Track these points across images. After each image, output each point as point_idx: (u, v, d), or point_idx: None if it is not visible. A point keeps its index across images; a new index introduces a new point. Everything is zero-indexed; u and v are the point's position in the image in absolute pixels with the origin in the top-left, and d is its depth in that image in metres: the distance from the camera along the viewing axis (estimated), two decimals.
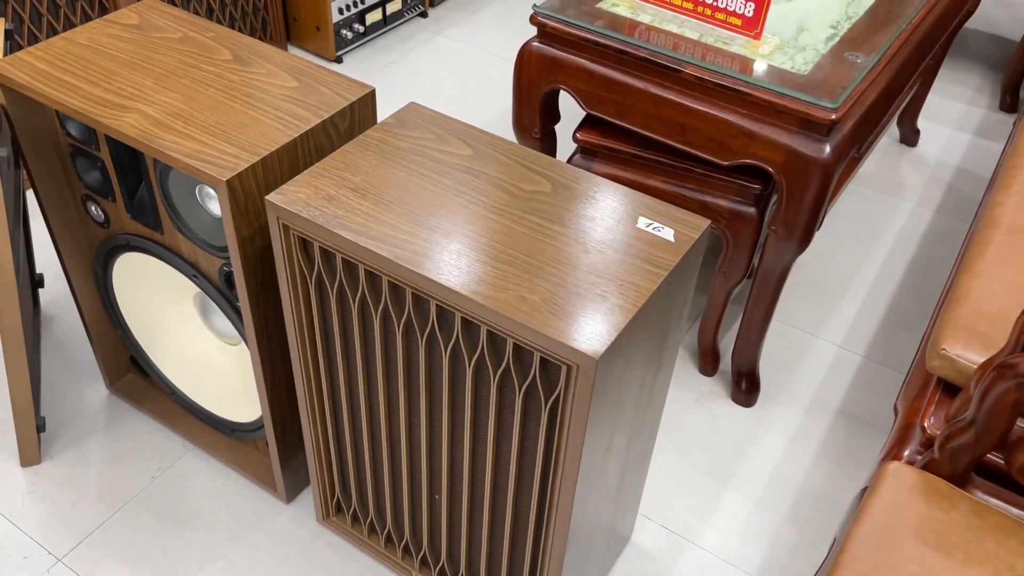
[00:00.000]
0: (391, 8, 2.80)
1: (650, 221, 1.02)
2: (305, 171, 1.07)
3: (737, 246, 1.55)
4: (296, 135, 1.13)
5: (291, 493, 1.50)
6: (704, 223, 1.03)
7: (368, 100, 1.22)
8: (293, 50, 2.74)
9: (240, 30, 2.53)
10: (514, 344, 0.94)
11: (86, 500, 1.49)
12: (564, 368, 0.90)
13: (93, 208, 1.36)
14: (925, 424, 1.08)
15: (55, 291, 1.85)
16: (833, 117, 1.31)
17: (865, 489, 1.11)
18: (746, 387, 1.72)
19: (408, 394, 1.11)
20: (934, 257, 2.12)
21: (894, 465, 0.97)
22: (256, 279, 1.17)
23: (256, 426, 1.46)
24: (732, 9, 1.44)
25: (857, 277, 2.05)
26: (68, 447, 1.57)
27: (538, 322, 0.89)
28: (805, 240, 1.45)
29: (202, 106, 1.16)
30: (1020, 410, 0.86)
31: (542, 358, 0.92)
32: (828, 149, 1.34)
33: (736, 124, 1.39)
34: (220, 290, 1.28)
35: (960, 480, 0.96)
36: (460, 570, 1.29)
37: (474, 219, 1.01)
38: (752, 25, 1.44)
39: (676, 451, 1.64)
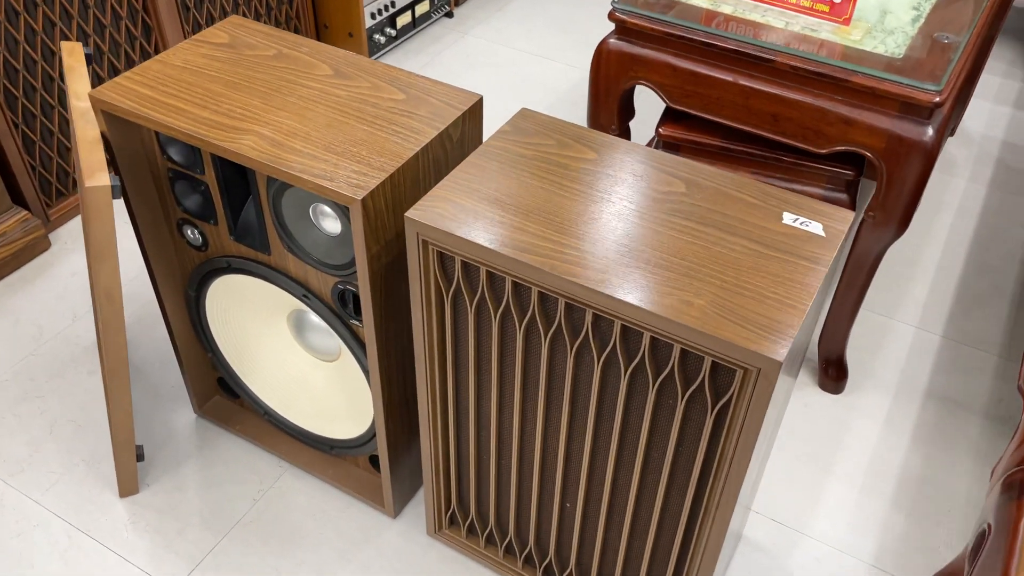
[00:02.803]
0: (419, 10, 2.78)
1: (796, 216, 1.01)
2: (437, 185, 1.05)
3: None
4: (418, 148, 1.11)
5: (397, 508, 1.48)
6: (849, 215, 1.02)
7: (476, 109, 1.20)
8: None
9: None
10: (681, 350, 0.92)
11: (191, 527, 1.47)
12: (740, 372, 0.89)
13: (190, 232, 1.34)
14: None
15: (128, 316, 1.83)
16: (937, 100, 1.30)
17: (1010, 475, 1.11)
18: (834, 374, 1.72)
19: (547, 404, 1.10)
20: (996, 232, 2.12)
21: None
22: (381, 296, 1.15)
23: (358, 443, 1.45)
24: None
25: (923, 257, 2.05)
26: (163, 474, 1.54)
27: (713, 326, 0.88)
28: (904, 225, 1.44)
29: (317, 124, 1.14)
30: None
31: (713, 362, 0.91)
32: (931, 132, 1.34)
33: (833, 111, 1.38)
34: (332, 308, 1.26)
35: None
36: None
37: (618, 225, 1.00)
38: (841, 11, 1.42)
39: (766, 435, 1.63)
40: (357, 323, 1.25)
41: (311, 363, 1.48)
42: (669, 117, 1.58)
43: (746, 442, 0.93)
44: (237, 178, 1.23)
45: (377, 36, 2.64)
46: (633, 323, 0.92)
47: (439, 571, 1.42)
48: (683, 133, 1.55)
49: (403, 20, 2.72)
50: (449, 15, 2.94)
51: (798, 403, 1.71)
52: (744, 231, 0.99)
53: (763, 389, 0.87)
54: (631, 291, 0.92)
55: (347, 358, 1.36)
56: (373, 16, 2.60)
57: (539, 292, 0.98)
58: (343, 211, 1.12)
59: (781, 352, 0.85)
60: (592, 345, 0.99)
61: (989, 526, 1.08)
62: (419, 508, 1.50)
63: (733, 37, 1.42)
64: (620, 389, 1.00)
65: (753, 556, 1.46)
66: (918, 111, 1.33)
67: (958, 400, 1.72)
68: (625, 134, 1.66)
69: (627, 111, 1.63)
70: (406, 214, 1.01)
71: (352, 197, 1.03)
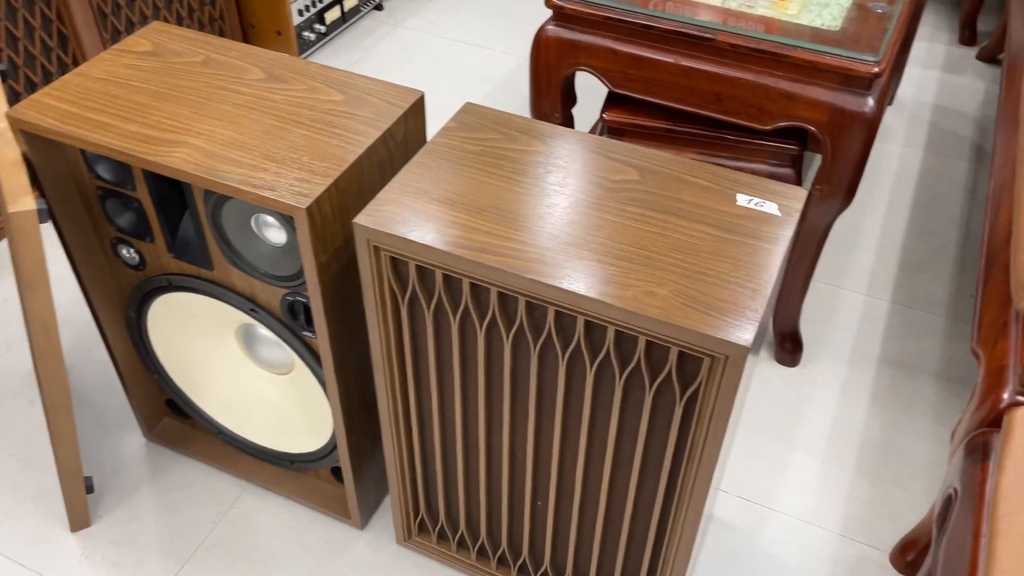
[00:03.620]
0: (348, 4, 2.71)
1: (750, 197, 1.01)
2: (384, 188, 1.02)
3: None
4: (361, 151, 1.07)
5: (364, 518, 1.45)
6: (803, 193, 1.02)
7: (418, 106, 1.17)
8: None
9: None
10: (646, 341, 0.91)
11: (150, 557, 1.41)
12: (707, 360, 0.88)
13: (125, 251, 1.28)
14: None
15: (65, 341, 1.75)
16: (875, 70, 1.31)
17: (972, 439, 1.12)
18: (790, 347, 1.73)
19: (512, 404, 1.08)
20: (934, 195, 2.16)
21: (1021, 412, 0.98)
22: (332, 305, 1.12)
23: (318, 456, 1.41)
24: None
25: (865, 224, 2.08)
26: (116, 504, 1.48)
27: (677, 316, 0.86)
28: (850, 196, 1.45)
29: (253, 131, 1.09)
30: None
31: (680, 352, 0.90)
32: (871, 102, 1.34)
33: (775, 87, 1.38)
34: (283, 321, 1.22)
35: None
36: (567, 572, 1.27)
37: (574, 217, 0.98)
38: None
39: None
40: (310, 335, 1.21)
41: (264, 377, 1.43)
42: (612, 102, 1.57)
43: (716, 429, 0.92)
44: (172, 193, 1.17)
45: (306, 33, 2.57)
46: (597, 318, 0.90)
47: None
48: (628, 117, 1.54)
49: (332, 15, 2.66)
50: (379, 7, 2.88)
51: (756, 378, 1.72)
52: (701, 216, 0.98)
53: (732, 375, 0.86)
54: (593, 285, 0.90)
55: (301, 370, 1.32)
56: (301, 13, 2.53)
57: (499, 292, 0.96)
58: (288, 221, 1.08)
59: (747, 338, 0.84)
60: (556, 342, 0.97)
61: (955, 490, 1.09)
62: (387, 517, 1.47)
63: (672, 18, 1.41)
64: (586, 384, 0.98)
65: (724, 536, 1.46)
66: (858, 82, 1.33)
67: (911, 364, 1.75)
68: (568, 121, 1.64)
69: (569, 98, 1.61)
70: (355, 220, 0.97)
71: (296, 206, 0.99)
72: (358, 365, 1.23)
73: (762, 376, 1.73)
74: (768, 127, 1.42)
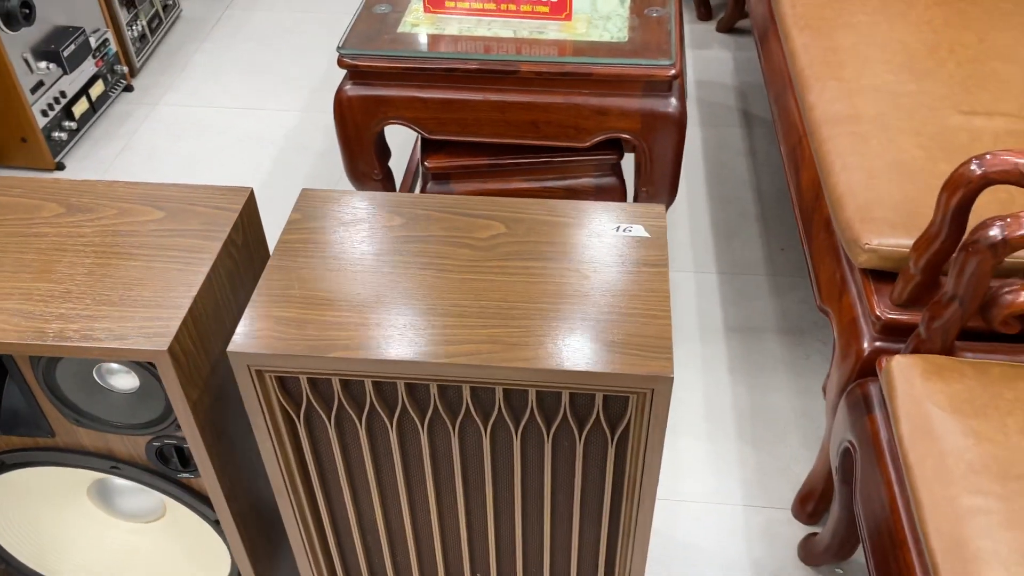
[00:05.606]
0: (95, 92, 2.48)
1: (617, 224, 1.02)
2: (249, 304, 0.93)
3: None
4: (207, 269, 0.97)
5: None
6: (661, 208, 1.05)
7: (251, 204, 1.08)
8: (0, 172, 2.35)
9: None
10: (570, 395, 0.89)
11: None
12: (633, 398, 0.88)
13: None
14: (878, 312, 1.20)
15: None
16: (673, 72, 1.38)
17: (852, 387, 1.21)
18: None
19: (437, 491, 1.03)
20: (722, 166, 2.33)
21: (897, 360, 1.07)
22: (213, 441, 1.01)
23: None
24: None
25: (674, 205, 2.20)
26: None
27: (597, 362, 0.86)
28: (673, 193, 1.53)
29: (74, 277, 0.96)
30: (993, 273, 0.98)
31: (605, 396, 0.89)
32: (675, 102, 1.42)
33: (586, 105, 1.42)
34: (151, 469, 1.09)
35: (951, 351, 1.08)
36: None
37: (458, 287, 0.95)
38: (560, 9, 1.46)
39: None
40: (188, 475, 1.09)
41: (133, 530, 1.28)
42: (430, 148, 1.54)
43: (652, 460, 0.93)
44: None
45: (56, 134, 2.33)
46: (516, 384, 0.88)
47: None
48: (449, 161, 1.52)
49: (80, 108, 2.42)
50: (129, 89, 2.67)
51: None
52: (577, 255, 0.98)
53: (660, 407, 0.87)
54: (504, 353, 0.87)
55: (177, 513, 1.19)
56: (45, 112, 2.28)
57: (406, 383, 0.91)
58: (142, 364, 0.96)
59: (669, 368, 0.85)
60: (476, 418, 0.93)
61: (852, 444, 1.17)
62: None
63: (472, 57, 1.40)
64: (514, 450, 0.96)
65: None
66: (660, 87, 1.40)
67: (753, 326, 1.87)
68: (388, 177, 1.60)
69: (384, 154, 1.57)
70: (228, 349, 0.88)
71: (156, 350, 0.88)
72: (248, 495, 1.13)
73: None
74: (587, 143, 1.46)
